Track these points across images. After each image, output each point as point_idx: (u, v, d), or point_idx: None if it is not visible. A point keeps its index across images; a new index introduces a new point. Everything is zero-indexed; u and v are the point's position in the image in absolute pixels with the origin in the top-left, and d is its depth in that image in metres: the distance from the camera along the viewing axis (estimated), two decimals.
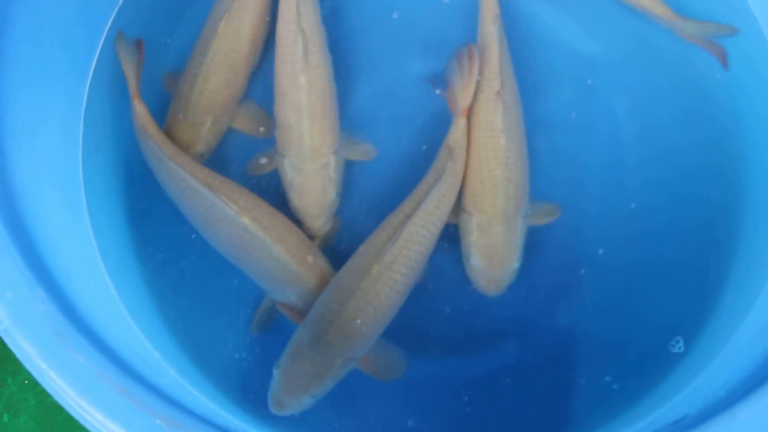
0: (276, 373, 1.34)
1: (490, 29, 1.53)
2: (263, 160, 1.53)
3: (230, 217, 1.37)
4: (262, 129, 1.57)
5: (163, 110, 1.55)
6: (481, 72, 1.50)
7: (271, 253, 1.38)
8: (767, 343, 1.25)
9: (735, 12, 1.60)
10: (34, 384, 1.63)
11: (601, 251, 1.55)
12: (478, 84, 1.50)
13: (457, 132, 1.47)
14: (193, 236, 1.49)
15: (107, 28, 1.54)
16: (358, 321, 1.33)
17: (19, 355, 1.07)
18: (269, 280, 1.43)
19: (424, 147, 1.60)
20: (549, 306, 1.53)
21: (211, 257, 1.48)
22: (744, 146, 1.57)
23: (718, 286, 1.51)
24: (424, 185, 1.43)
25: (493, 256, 1.45)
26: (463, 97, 1.48)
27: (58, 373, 1.06)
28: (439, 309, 1.53)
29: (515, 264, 1.46)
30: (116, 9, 1.55)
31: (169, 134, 1.50)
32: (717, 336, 1.43)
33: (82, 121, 1.48)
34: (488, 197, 1.45)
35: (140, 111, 1.45)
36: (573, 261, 1.56)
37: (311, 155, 1.47)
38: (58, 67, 1.43)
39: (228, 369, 1.47)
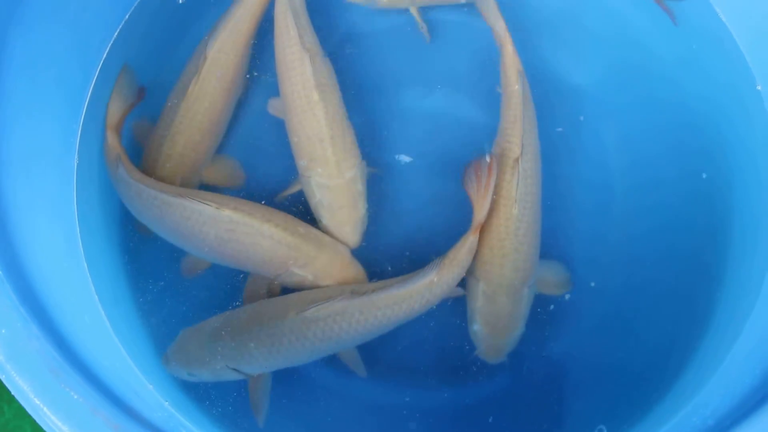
0: (180, 335, 1.41)
1: (514, 88, 1.49)
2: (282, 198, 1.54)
3: (211, 214, 1.37)
4: (235, 180, 1.57)
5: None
6: (503, 131, 1.49)
7: (263, 233, 1.38)
8: (755, 373, 1.26)
9: (721, 48, 1.63)
10: None
11: (593, 284, 1.57)
12: (498, 147, 1.48)
13: (461, 248, 1.41)
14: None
15: (101, 62, 1.55)
16: (252, 344, 1.36)
17: (13, 392, 1.08)
18: (270, 263, 1.41)
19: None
20: (538, 334, 1.54)
21: (207, 288, 1.49)
22: (730, 174, 1.59)
23: (707, 313, 1.52)
24: (396, 281, 1.40)
25: (495, 325, 1.44)
26: (476, 213, 1.43)
27: (52, 409, 1.07)
28: (428, 338, 1.54)
29: (517, 332, 1.45)
30: (110, 44, 1.56)
31: None
32: (706, 364, 1.44)
33: (76, 154, 1.49)
34: (496, 267, 1.44)
35: (111, 141, 1.45)
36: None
37: (337, 170, 1.46)
38: (52, 101, 1.44)
39: (223, 402, 1.47)
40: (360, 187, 1.49)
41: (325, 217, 1.48)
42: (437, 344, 1.53)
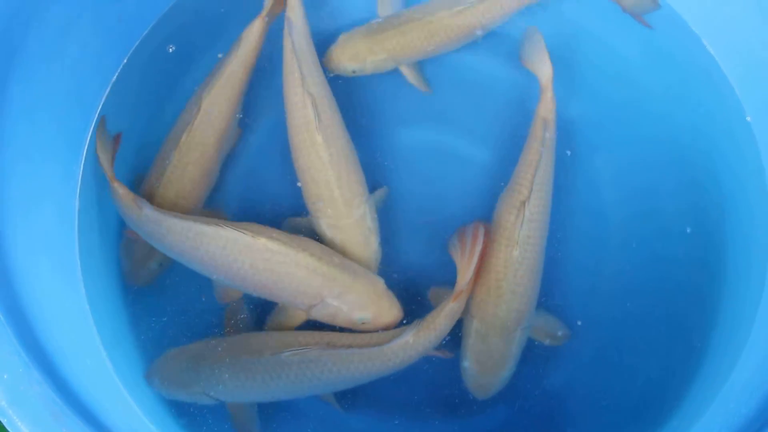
0: (165, 354, 1.45)
1: (539, 134, 1.51)
2: (296, 223, 1.55)
3: (247, 243, 1.37)
4: None
5: None
6: (517, 173, 1.50)
7: (299, 262, 1.37)
8: (751, 404, 1.27)
9: (711, 80, 1.66)
10: None
11: (580, 322, 1.57)
12: (509, 189, 1.50)
13: (439, 314, 1.40)
14: (189, 309, 1.51)
15: (100, 105, 1.57)
16: (226, 376, 1.38)
17: None
18: (305, 293, 1.40)
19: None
20: (534, 367, 1.55)
21: (209, 327, 1.50)
22: (722, 204, 1.61)
23: (703, 344, 1.53)
24: (373, 337, 1.41)
25: (485, 363, 1.45)
26: (459, 280, 1.41)
27: None
28: (428, 371, 1.53)
29: (506, 373, 1.46)
30: (108, 88, 1.59)
31: (127, 244, 1.51)
32: (702, 396, 1.45)
33: (77, 197, 1.51)
34: (491, 306, 1.44)
35: (121, 192, 1.44)
36: (560, 319, 1.57)
37: (346, 209, 1.48)
38: (53, 144, 1.46)
39: None
40: (370, 223, 1.50)
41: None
42: (432, 375, 1.53)
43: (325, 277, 1.39)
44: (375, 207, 1.54)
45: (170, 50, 1.67)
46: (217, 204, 1.61)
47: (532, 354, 1.52)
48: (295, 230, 1.52)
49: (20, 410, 1.10)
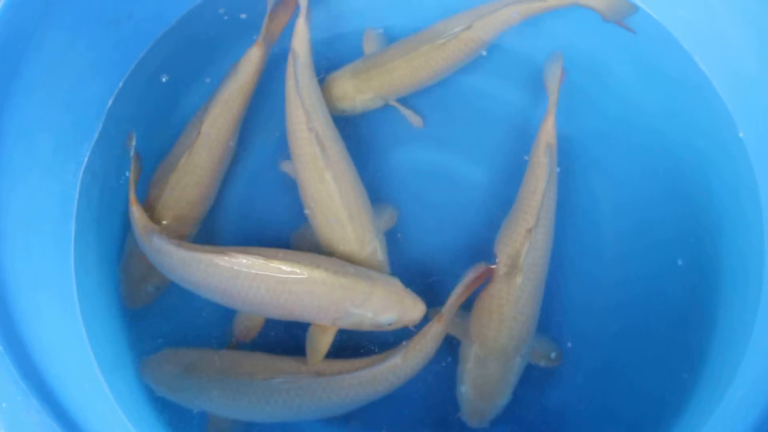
0: (162, 352, 1.47)
1: (541, 159, 1.52)
2: (303, 234, 1.54)
3: (261, 267, 1.36)
4: None
5: None
6: (522, 200, 1.50)
7: (315, 279, 1.37)
8: (747, 421, 1.28)
9: (703, 98, 1.68)
10: None
11: (570, 344, 1.57)
12: (514, 215, 1.50)
13: (425, 335, 1.42)
14: (186, 331, 1.51)
15: (98, 131, 1.58)
16: (215, 393, 1.40)
17: None
18: (327, 308, 1.39)
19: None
20: (534, 383, 1.54)
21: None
22: (717, 219, 1.62)
23: (700, 359, 1.54)
24: (362, 362, 1.41)
25: (482, 389, 1.44)
26: (447, 306, 1.43)
27: None
28: (428, 388, 1.54)
29: (503, 400, 1.45)
30: (105, 112, 1.59)
31: (125, 266, 1.51)
32: (700, 411, 1.45)
33: (74, 220, 1.51)
34: (492, 331, 1.44)
35: (139, 216, 1.44)
36: (558, 335, 1.57)
37: (357, 246, 1.48)
38: (49, 168, 1.46)
39: None
40: (381, 256, 1.50)
41: None
42: (426, 394, 1.53)
43: (344, 288, 1.38)
44: (384, 239, 1.53)
45: (164, 80, 1.67)
46: (214, 226, 1.61)
47: (530, 369, 1.51)
48: (304, 240, 1.53)
49: None
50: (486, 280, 1.47)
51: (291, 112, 1.52)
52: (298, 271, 1.36)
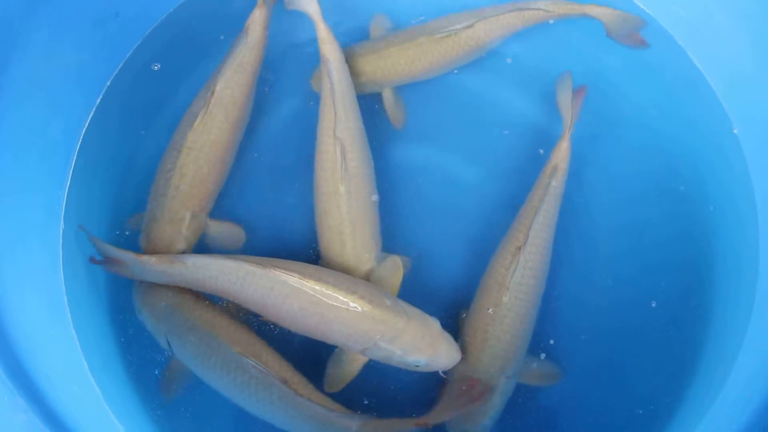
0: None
1: (545, 180, 1.50)
2: None
3: (295, 286, 1.34)
4: (236, 243, 1.56)
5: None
6: (518, 217, 1.48)
7: (349, 306, 1.34)
8: (741, 419, 1.27)
9: (698, 94, 1.68)
10: None
11: (583, 337, 1.57)
12: (509, 233, 1.48)
13: (387, 424, 1.38)
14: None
15: (82, 135, 1.58)
16: (191, 338, 1.39)
17: None
18: (356, 336, 1.35)
19: None
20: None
21: None
22: (711, 216, 1.61)
23: (694, 358, 1.53)
24: (324, 399, 1.38)
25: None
26: (433, 414, 1.38)
27: None
28: (419, 389, 1.52)
29: (486, 422, 1.41)
30: (90, 115, 1.60)
31: (147, 235, 1.49)
32: (695, 410, 1.45)
33: (61, 222, 1.51)
34: (475, 350, 1.41)
35: (154, 260, 1.41)
36: (551, 332, 1.56)
37: (354, 263, 1.46)
38: (36, 173, 1.46)
39: None
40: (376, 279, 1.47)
41: None
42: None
43: (376, 321, 1.34)
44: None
45: (155, 68, 1.67)
46: (229, 216, 1.61)
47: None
48: None
49: None
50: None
51: (323, 115, 1.52)
52: (333, 295, 1.34)
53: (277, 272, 1.34)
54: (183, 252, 1.49)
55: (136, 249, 1.47)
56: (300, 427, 1.37)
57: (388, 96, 1.67)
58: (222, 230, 1.55)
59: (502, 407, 1.43)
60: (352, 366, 1.42)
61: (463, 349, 1.41)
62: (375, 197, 1.51)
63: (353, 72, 1.62)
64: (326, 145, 1.49)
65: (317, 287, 1.33)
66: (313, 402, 1.35)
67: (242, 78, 1.58)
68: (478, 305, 1.44)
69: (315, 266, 1.41)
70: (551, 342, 1.52)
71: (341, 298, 1.33)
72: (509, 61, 1.73)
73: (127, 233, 1.56)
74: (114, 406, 1.40)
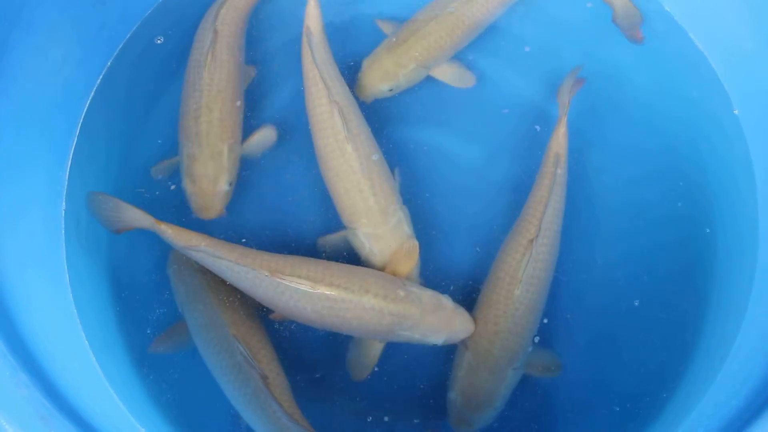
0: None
1: (550, 169, 1.50)
2: (330, 242, 1.53)
3: (306, 292, 1.35)
4: (270, 141, 1.60)
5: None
6: (527, 209, 1.49)
7: (364, 305, 1.35)
8: (741, 394, 1.27)
9: (699, 75, 1.68)
10: None
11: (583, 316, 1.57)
12: (518, 225, 1.48)
13: None
14: (178, 311, 1.50)
15: (84, 111, 1.58)
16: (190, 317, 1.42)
17: None
18: (375, 331, 1.39)
19: None
20: None
21: None
22: (712, 196, 1.62)
23: (695, 335, 1.54)
24: (300, 417, 1.36)
25: (471, 397, 1.41)
26: None
27: None
28: (418, 376, 1.54)
29: (491, 411, 1.43)
30: (92, 93, 1.60)
31: (191, 176, 1.49)
32: (696, 387, 1.45)
33: (63, 200, 1.51)
34: (485, 341, 1.42)
35: (171, 231, 1.41)
36: (552, 313, 1.56)
37: (383, 217, 1.46)
38: (38, 149, 1.46)
39: None
40: (407, 228, 1.49)
41: (378, 264, 1.48)
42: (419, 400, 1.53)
43: (392, 315, 1.36)
44: (407, 209, 1.51)
45: (158, 41, 1.68)
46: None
47: None
48: (331, 249, 1.53)
49: (8, 414, 1.10)
50: None
51: (310, 87, 1.52)
52: (346, 298, 1.35)
53: (287, 280, 1.35)
54: (230, 184, 1.52)
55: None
56: (258, 427, 1.36)
57: (442, 73, 1.66)
58: (256, 142, 1.59)
59: (508, 398, 1.44)
60: (372, 351, 1.45)
61: (473, 340, 1.43)
62: (377, 156, 1.51)
63: (401, 63, 1.61)
64: (323, 114, 1.49)
65: (328, 293, 1.35)
66: (280, 409, 1.33)
67: (237, 14, 1.62)
68: (489, 298, 1.44)
69: (323, 263, 1.41)
70: (545, 321, 1.52)
71: (356, 300, 1.35)
72: (527, 49, 1.73)
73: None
74: (114, 384, 1.40)
